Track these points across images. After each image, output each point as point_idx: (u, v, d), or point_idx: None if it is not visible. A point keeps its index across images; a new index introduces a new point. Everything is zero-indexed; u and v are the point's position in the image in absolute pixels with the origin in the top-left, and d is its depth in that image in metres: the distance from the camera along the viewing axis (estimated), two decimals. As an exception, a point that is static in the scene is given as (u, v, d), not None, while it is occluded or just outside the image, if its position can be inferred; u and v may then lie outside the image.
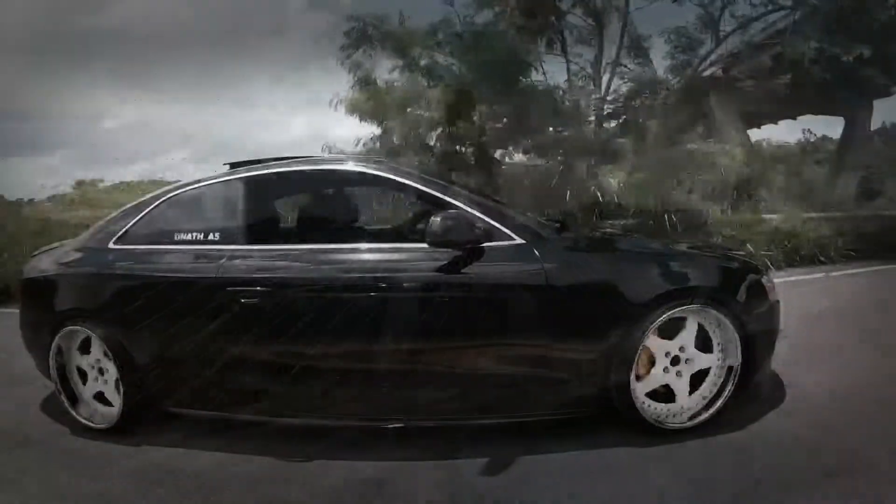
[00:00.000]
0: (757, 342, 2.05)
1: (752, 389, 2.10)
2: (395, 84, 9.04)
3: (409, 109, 8.80)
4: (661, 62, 9.58)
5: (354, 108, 8.84)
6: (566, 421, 2.03)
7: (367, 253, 2.12)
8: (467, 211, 1.98)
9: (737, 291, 2.05)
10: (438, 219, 1.85)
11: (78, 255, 2.42)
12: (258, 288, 2.02)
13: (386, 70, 9.02)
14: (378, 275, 2.00)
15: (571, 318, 1.92)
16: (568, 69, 9.42)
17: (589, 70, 9.43)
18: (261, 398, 2.08)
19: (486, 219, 1.99)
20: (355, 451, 2.00)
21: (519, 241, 1.97)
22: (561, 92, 9.21)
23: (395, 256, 2.05)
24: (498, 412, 2.04)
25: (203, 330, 2.07)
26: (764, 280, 2.17)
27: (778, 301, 2.20)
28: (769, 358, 2.18)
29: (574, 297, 1.93)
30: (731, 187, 7.31)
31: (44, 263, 2.50)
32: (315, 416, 2.09)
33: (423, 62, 8.86)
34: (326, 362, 2.02)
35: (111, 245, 2.34)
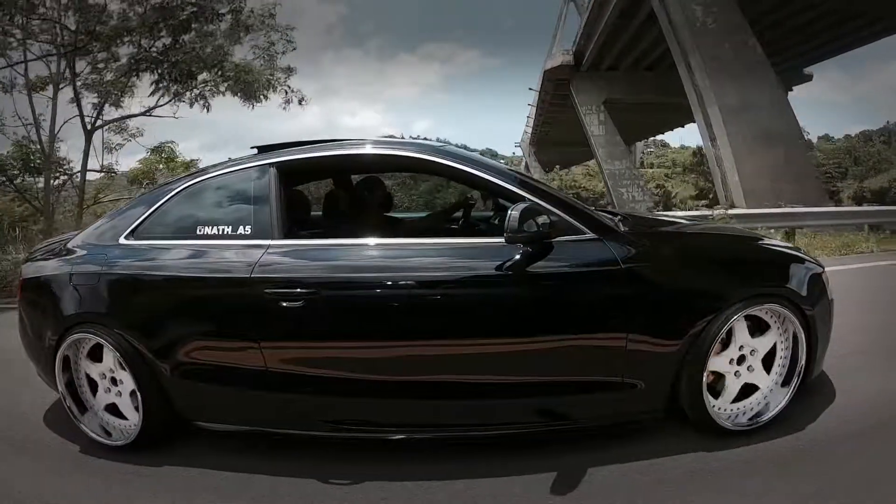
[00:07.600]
0: (819, 339, 2.00)
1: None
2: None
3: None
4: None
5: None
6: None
7: (427, 249, 1.93)
8: (539, 203, 1.83)
9: (805, 288, 1.99)
10: (516, 213, 1.68)
11: (82, 252, 2.15)
12: (300, 289, 1.82)
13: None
14: (440, 274, 1.83)
15: (648, 314, 1.80)
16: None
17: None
18: (309, 411, 1.90)
19: (558, 212, 1.85)
20: (414, 468, 1.85)
21: (591, 234, 1.85)
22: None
23: (458, 253, 1.89)
24: (566, 419, 1.90)
25: (237, 335, 1.88)
26: (824, 276, 2.13)
27: (833, 300, 2.16)
28: (823, 355, 2.14)
29: (651, 293, 1.81)
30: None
31: (44, 262, 2.22)
32: (372, 429, 1.91)
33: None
34: (382, 370, 1.85)
35: (122, 241, 2.09)
